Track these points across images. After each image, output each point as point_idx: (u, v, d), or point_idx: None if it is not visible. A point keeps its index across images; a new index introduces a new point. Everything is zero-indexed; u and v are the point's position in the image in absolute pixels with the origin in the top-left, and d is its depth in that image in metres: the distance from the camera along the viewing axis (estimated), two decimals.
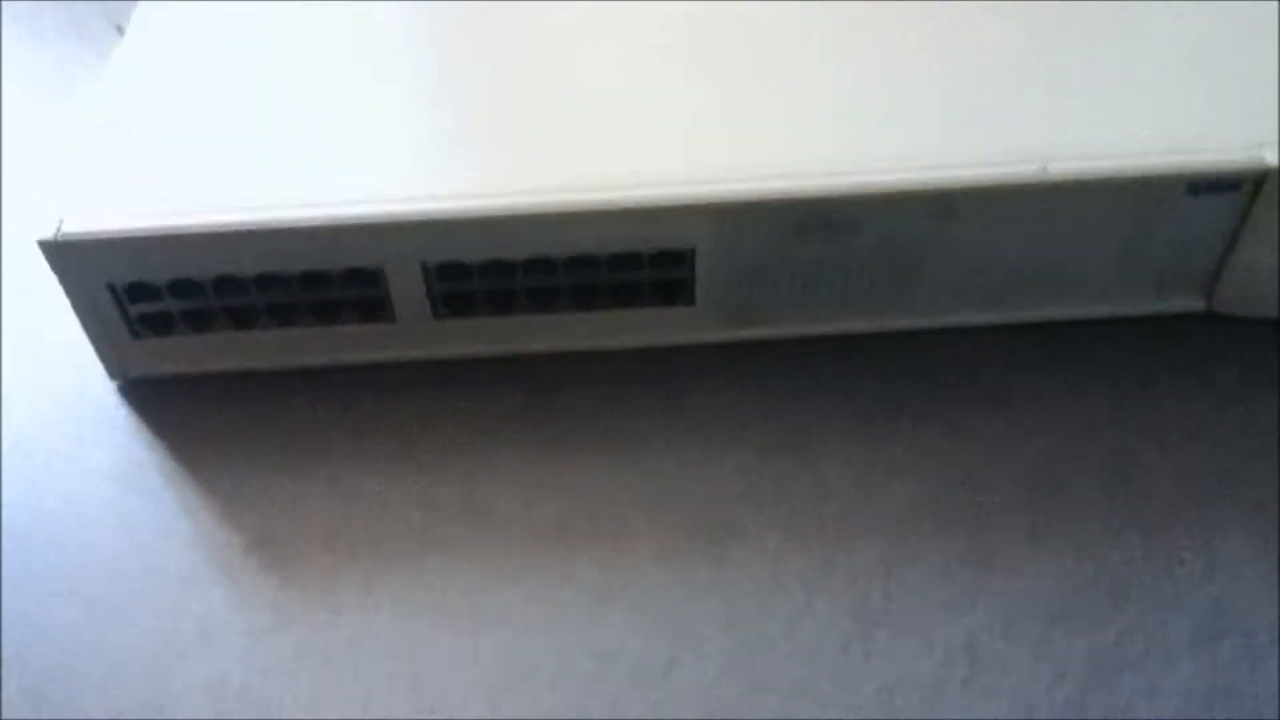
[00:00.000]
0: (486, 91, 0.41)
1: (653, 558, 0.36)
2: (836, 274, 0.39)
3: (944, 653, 0.34)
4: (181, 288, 0.38)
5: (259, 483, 0.38)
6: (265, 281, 0.39)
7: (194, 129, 0.40)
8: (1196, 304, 0.41)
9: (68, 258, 0.37)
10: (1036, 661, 0.33)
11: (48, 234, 0.37)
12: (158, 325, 0.40)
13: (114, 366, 0.41)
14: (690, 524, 0.37)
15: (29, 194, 0.48)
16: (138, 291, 0.38)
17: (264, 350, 0.40)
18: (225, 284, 0.39)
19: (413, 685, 0.34)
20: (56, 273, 0.38)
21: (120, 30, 0.44)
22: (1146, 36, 0.41)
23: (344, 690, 0.34)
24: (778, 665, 0.34)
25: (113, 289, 0.38)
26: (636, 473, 0.38)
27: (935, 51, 0.41)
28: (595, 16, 0.44)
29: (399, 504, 0.38)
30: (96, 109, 0.41)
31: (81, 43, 0.56)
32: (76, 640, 0.35)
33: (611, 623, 0.35)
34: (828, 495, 0.37)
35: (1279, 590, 0.34)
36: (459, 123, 0.40)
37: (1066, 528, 0.36)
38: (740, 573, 0.36)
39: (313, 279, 0.38)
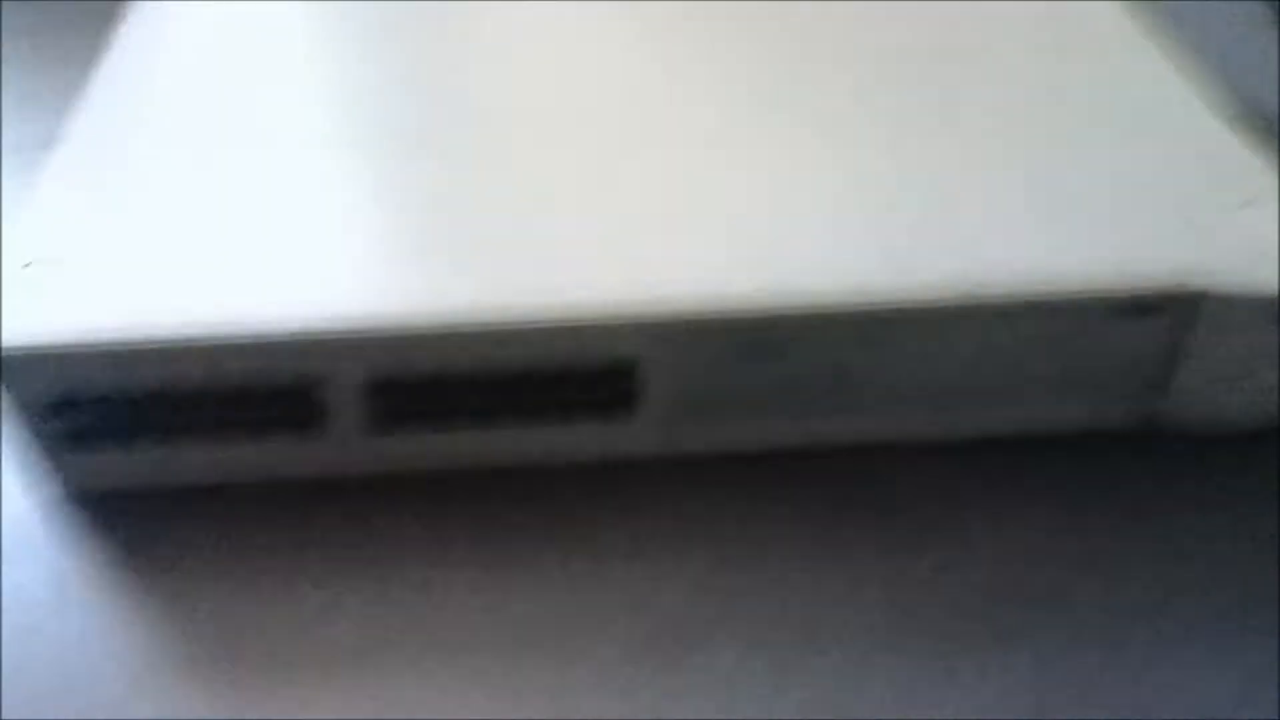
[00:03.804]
0: (424, 197, 0.41)
1: (604, 677, 0.35)
2: (777, 390, 0.40)
3: None
4: (107, 404, 0.38)
5: (193, 599, 0.37)
6: (194, 398, 0.38)
7: (122, 243, 0.39)
8: (1131, 422, 0.42)
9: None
10: None
11: None
12: (86, 441, 0.39)
13: (44, 481, 0.40)
14: (643, 640, 0.36)
15: None
16: (63, 408, 0.38)
17: (196, 467, 0.40)
18: (152, 400, 0.38)
19: None
20: None
21: None
22: (1063, 163, 0.43)
23: None
24: None
25: (36, 404, 0.37)
26: (587, 590, 0.38)
27: (860, 171, 0.42)
28: (539, 119, 0.45)
29: (340, 623, 0.37)
30: (25, 231, 0.40)
31: None
32: None
33: None
34: (779, 617, 0.37)
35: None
36: (397, 233, 0.40)
37: (1002, 661, 0.36)
38: (695, 688, 0.35)
39: (244, 395, 0.38)
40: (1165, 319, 0.38)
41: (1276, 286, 0.38)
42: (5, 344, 0.36)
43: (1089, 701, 0.35)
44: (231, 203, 0.41)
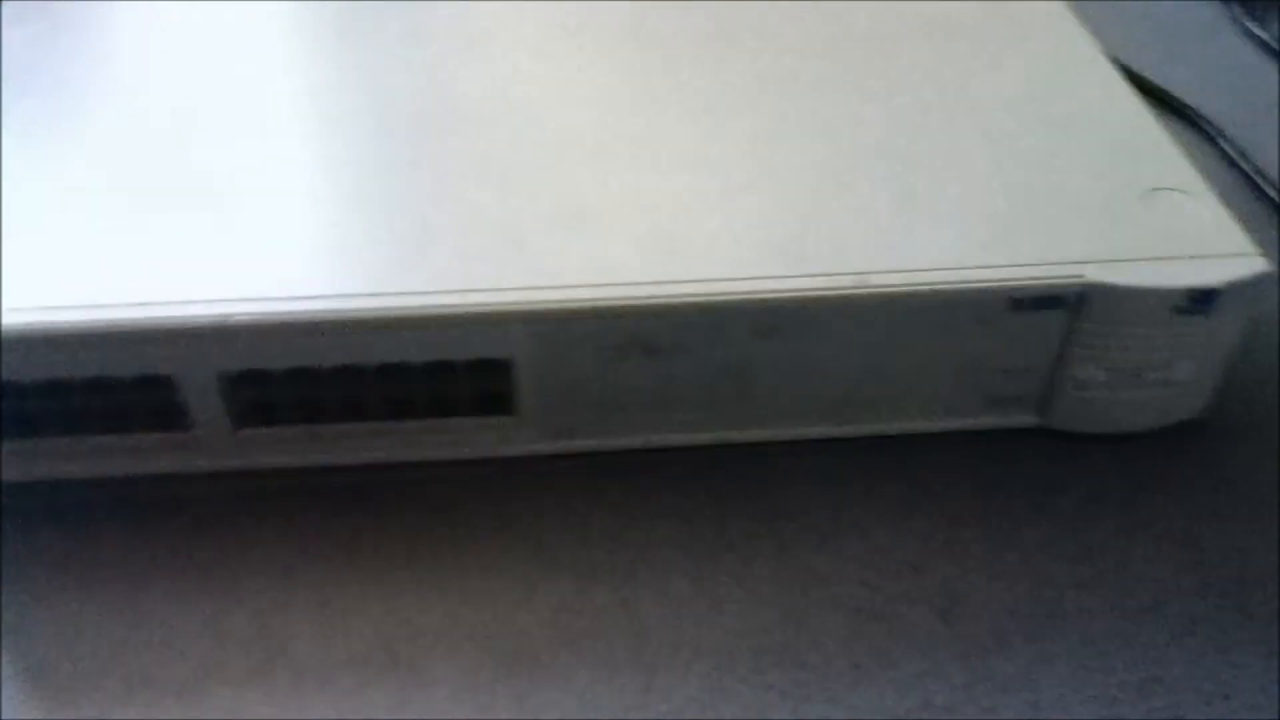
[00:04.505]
0: (289, 185, 0.40)
1: (452, 697, 0.34)
2: (662, 388, 0.38)
3: None
4: None
5: (36, 606, 0.35)
6: (50, 388, 0.36)
7: None
8: (1030, 419, 0.40)
9: None
10: None
11: None
12: None
13: None
14: (496, 660, 0.34)
15: None
16: None
17: (51, 460, 0.38)
18: (7, 390, 0.36)
19: None
20: None
21: None
22: (972, 152, 0.41)
23: None
24: None
25: None
26: (446, 604, 0.36)
27: (760, 164, 0.41)
28: (416, 108, 0.43)
29: (184, 635, 0.35)
30: None
31: None
32: None
33: None
34: (645, 631, 0.35)
35: None
36: (256, 219, 0.38)
37: (890, 662, 0.35)
38: (546, 712, 0.33)
39: (101, 386, 0.36)
40: (1061, 312, 0.37)
41: (1178, 278, 0.36)
42: None
43: (968, 710, 0.33)
44: (91, 197, 0.39)
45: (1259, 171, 0.51)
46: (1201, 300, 0.36)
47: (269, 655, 0.34)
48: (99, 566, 0.36)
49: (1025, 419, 0.40)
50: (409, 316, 0.35)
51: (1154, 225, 0.38)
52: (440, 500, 0.38)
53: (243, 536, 0.37)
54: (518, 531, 0.38)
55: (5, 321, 0.34)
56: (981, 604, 0.36)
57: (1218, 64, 0.59)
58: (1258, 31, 0.62)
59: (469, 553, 0.37)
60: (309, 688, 0.34)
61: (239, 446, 0.38)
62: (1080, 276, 0.36)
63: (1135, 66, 0.53)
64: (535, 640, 0.35)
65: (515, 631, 0.35)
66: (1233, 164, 0.52)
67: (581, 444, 0.39)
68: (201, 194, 0.39)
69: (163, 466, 0.38)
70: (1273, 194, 0.50)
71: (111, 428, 0.37)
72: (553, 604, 0.36)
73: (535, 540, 0.37)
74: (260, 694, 0.34)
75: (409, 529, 0.38)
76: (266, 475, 0.39)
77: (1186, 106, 0.56)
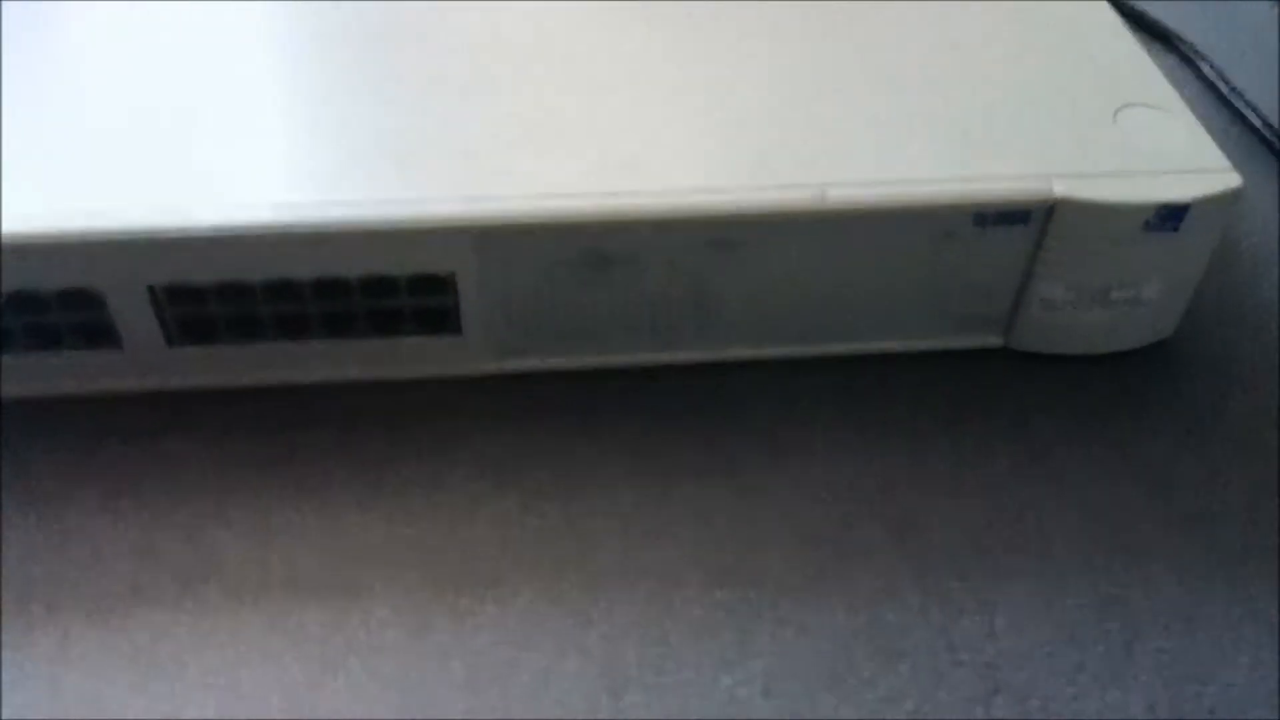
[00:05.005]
0: (224, 94, 0.38)
1: (390, 616, 0.33)
2: (614, 304, 0.37)
3: (697, 714, 0.31)
4: None
5: None
6: None
7: None
8: (995, 340, 0.39)
9: None
10: None
11: None
12: None
13: None
14: (436, 579, 0.33)
15: None
16: None
17: None
18: None
19: None
20: None
21: None
22: (935, 67, 0.40)
23: None
24: None
25: None
26: (386, 522, 0.35)
27: (719, 78, 0.39)
28: (361, 17, 0.41)
29: (112, 552, 0.34)
30: None
31: None
32: None
33: (334, 688, 0.31)
34: (592, 549, 0.34)
35: (1055, 652, 0.32)
36: (189, 128, 0.36)
37: (842, 583, 0.34)
38: (485, 631, 0.32)
39: (24, 300, 0.34)
40: (1027, 228, 0.36)
41: (1149, 193, 0.35)
42: None
43: (918, 637, 0.33)
44: (15, 107, 0.37)
45: (1236, 93, 0.50)
46: (1172, 216, 0.35)
47: (202, 575, 0.33)
48: (26, 487, 0.35)
49: (991, 340, 0.39)
50: (346, 228, 0.34)
51: (1126, 141, 0.37)
52: (382, 418, 0.37)
53: (176, 456, 0.36)
54: (465, 452, 0.36)
55: None
56: (939, 525, 0.35)
57: None
58: None
59: (411, 470, 0.36)
60: (244, 607, 0.33)
61: (173, 365, 0.36)
62: (1048, 191, 0.35)
63: None
64: (477, 559, 0.34)
65: (457, 550, 0.34)
66: (1212, 87, 0.51)
67: (531, 364, 0.38)
68: (131, 104, 0.37)
69: (94, 386, 0.37)
70: (1250, 116, 0.49)
71: (40, 345, 0.36)
72: (497, 522, 0.35)
73: (480, 458, 0.36)
74: (192, 614, 0.32)
75: (349, 447, 0.36)
76: (202, 395, 0.37)
77: (1169, 31, 0.54)
